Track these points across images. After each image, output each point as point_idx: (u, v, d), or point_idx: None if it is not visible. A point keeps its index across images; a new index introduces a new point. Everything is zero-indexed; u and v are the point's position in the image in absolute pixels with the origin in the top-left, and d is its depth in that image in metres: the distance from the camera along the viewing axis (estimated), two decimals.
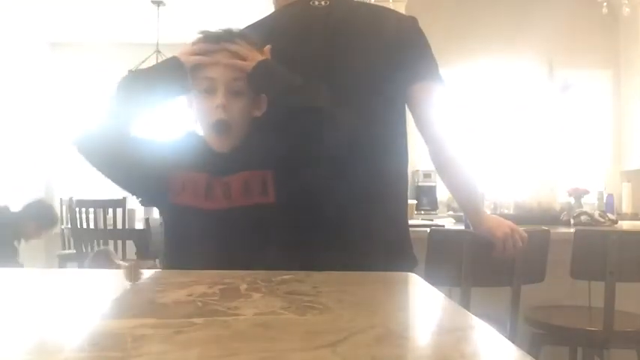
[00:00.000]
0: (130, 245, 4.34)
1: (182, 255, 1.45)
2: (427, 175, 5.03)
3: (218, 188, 1.42)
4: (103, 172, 1.44)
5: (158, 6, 5.35)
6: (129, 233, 4.30)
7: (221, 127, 1.42)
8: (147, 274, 1.12)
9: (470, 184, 1.63)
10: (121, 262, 3.34)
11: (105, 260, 3.24)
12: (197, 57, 1.48)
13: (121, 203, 4.56)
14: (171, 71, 1.49)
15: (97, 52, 6.49)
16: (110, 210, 4.41)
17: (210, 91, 1.43)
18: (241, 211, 1.41)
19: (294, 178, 1.45)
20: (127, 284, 1.04)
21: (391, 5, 4.21)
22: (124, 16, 5.81)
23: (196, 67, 1.47)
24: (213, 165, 1.44)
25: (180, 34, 6.15)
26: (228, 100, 1.41)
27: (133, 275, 1.01)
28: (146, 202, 1.57)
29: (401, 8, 4.77)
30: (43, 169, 6.54)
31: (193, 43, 1.53)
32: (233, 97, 1.42)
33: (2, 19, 5.80)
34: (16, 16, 5.89)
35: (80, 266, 3.16)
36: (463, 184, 1.63)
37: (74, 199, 4.39)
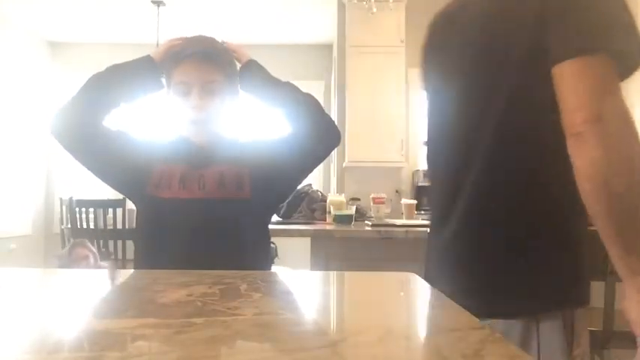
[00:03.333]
0: (130, 245, 4.34)
1: (156, 245, 1.47)
2: (427, 176, 5.03)
3: (193, 179, 1.44)
4: (75, 157, 1.49)
5: (158, 6, 5.35)
6: (129, 233, 4.30)
7: (197, 126, 1.50)
8: (124, 274, 1.12)
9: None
10: (102, 263, 3.35)
11: (81, 250, 3.24)
12: (169, 42, 1.54)
13: (121, 203, 4.55)
14: (144, 69, 1.54)
15: (97, 52, 6.49)
16: (110, 210, 4.41)
17: (185, 93, 1.49)
18: (216, 202, 1.42)
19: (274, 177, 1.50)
20: (127, 284, 1.04)
21: (391, 5, 4.22)
22: (124, 16, 5.82)
23: (172, 70, 1.51)
24: (190, 157, 1.48)
25: (180, 34, 6.18)
26: (203, 100, 1.47)
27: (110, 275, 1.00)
28: (125, 193, 1.59)
29: (401, 8, 4.76)
30: (43, 169, 6.54)
31: (170, 40, 1.58)
32: (208, 97, 1.48)
33: (2, 18, 5.79)
34: (16, 16, 5.89)
35: (60, 264, 3.13)
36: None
37: (74, 199, 4.39)
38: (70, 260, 3.17)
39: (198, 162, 1.49)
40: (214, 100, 1.51)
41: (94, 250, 3.30)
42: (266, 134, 1.66)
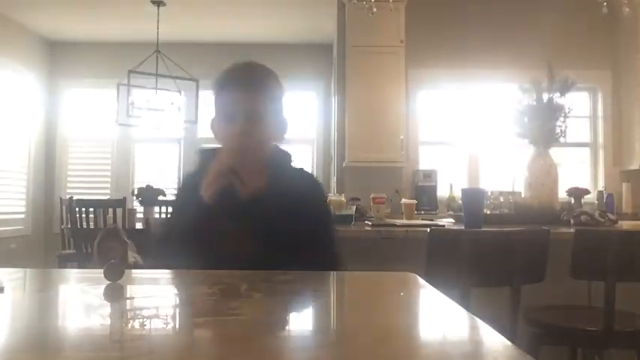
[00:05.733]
0: (130, 245, 4.33)
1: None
2: (427, 175, 5.02)
3: (222, 235, 1.39)
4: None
5: (158, 6, 5.35)
6: (129, 233, 4.29)
7: (241, 153, 1.43)
8: (128, 273, 1.12)
9: None
10: (134, 255, 3.39)
11: (115, 240, 3.30)
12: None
13: (121, 203, 4.56)
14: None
15: (97, 52, 6.49)
16: (110, 210, 4.41)
17: (230, 119, 1.45)
18: (234, 257, 1.34)
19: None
20: (126, 284, 1.04)
21: (391, 5, 4.22)
22: (124, 16, 5.81)
23: (220, 97, 1.48)
24: (226, 206, 1.41)
25: (180, 34, 6.18)
26: (248, 127, 1.43)
27: (112, 274, 1.00)
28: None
29: (401, 8, 4.76)
30: (43, 169, 6.54)
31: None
32: (252, 124, 1.44)
33: (2, 18, 5.79)
34: (16, 16, 5.89)
35: (87, 258, 3.21)
36: None
37: (74, 199, 4.39)
38: (100, 252, 3.25)
39: (239, 217, 1.41)
40: (260, 127, 1.45)
41: (124, 237, 3.36)
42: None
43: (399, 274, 1.16)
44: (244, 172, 1.41)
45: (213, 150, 1.52)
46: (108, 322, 0.79)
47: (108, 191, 6.33)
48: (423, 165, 5.24)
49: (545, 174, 3.05)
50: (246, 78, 1.47)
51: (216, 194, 1.41)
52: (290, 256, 1.35)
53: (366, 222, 2.89)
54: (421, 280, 1.08)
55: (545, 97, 3.08)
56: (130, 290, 1.03)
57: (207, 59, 6.32)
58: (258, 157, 1.47)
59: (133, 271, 1.29)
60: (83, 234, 4.23)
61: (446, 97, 5.45)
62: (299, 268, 1.23)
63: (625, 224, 2.89)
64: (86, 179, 6.49)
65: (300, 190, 1.48)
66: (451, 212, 3.72)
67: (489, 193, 3.12)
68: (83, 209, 4.33)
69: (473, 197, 2.53)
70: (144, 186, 4.74)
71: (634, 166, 4.92)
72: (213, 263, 1.27)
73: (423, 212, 4.51)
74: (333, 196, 3.05)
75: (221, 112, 1.49)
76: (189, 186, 1.53)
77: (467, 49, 5.10)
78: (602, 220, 2.68)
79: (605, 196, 4.47)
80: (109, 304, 0.93)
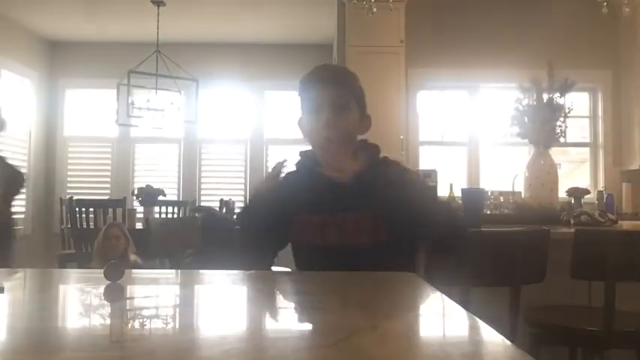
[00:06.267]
0: (130, 246, 4.33)
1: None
2: (427, 175, 5.01)
3: (332, 228, 1.48)
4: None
5: (158, 6, 5.35)
6: (129, 233, 4.30)
7: (329, 142, 1.52)
8: (128, 273, 1.12)
9: None
10: (135, 258, 3.48)
11: (117, 230, 3.46)
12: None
13: (121, 203, 4.56)
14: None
15: (97, 52, 6.49)
16: (110, 210, 4.41)
17: (316, 111, 1.54)
18: (353, 248, 1.46)
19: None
20: (126, 284, 1.04)
21: (391, 5, 4.22)
22: (124, 16, 5.81)
23: (305, 94, 1.58)
24: (330, 200, 1.50)
25: (180, 34, 6.18)
26: (333, 118, 1.52)
27: (112, 274, 1.00)
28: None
29: (401, 8, 4.76)
30: (43, 169, 6.54)
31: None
32: (337, 115, 1.52)
33: (2, 18, 5.79)
34: (16, 16, 5.89)
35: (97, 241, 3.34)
36: None
37: (74, 199, 4.39)
38: (104, 238, 3.36)
39: (338, 205, 1.50)
40: (346, 117, 1.54)
41: (127, 233, 3.49)
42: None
43: (399, 274, 1.16)
44: (335, 161, 1.51)
45: (309, 151, 1.64)
46: (108, 322, 0.79)
47: (108, 191, 6.33)
48: (423, 165, 5.24)
49: (545, 174, 3.05)
50: (328, 74, 1.60)
51: (318, 189, 1.51)
52: (412, 241, 1.48)
53: None
54: (421, 280, 1.08)
55: (545, 97, 3.08)
56: (130, 290, 1.03)
57: (207, 59, 6.33)
58: (345, 146, 1.55)
59: (133, 271, 1.29)
60: (83, 234, 4.23)
61: (446, 97, 5.45)
62: (430, 246, 1.33)
63: (625, 224, 2.89)
64: (86, 179, 6.49)
65: (394, 178, 1.54)
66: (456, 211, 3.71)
67: (489, 193, 3.12)
68: (83, 209, 4.33)
69: (473, 197, 2.53)
70: (144, 186, 4.74)
71: (634, 166, 4.92)
72: (321, 256, 1.42)
73: None
74: None
75: (306, 107, 1.59)
76: (289, 184, 1.62)
77: (467, 49, 5.10)
78: (602, 220, 2.68)
79: (605, 196, 4.46)
80: (109, 304, 0.93)
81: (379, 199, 1.45)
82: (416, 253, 1.59)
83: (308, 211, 1.51)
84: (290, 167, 1.65)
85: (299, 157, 1.67)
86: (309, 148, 1.64)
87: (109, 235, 3.43)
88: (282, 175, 1.61)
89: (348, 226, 1.48)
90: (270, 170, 1.66)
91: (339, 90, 1.55)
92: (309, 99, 1.57)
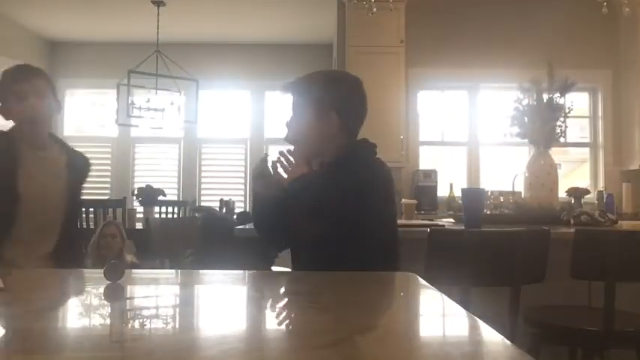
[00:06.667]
0: (130, 245, 4.33)
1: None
2: (427, 175, 5.02)
3: (291, 223, 1.63)
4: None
5: (158, 6, 5.35)
6: (129, 233, 4.29)
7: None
8: (128, 273, 1.12)
9: None
10: (132, 258, 3.50)
11: (113, 228, 3.47)
12: None
13: (121, 203, 4.55)
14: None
15: (97, 52, 6.49)
16: (110, 210, 4.41)
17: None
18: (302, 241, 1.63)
19: None
20: (126, 284, 1.04)
21: (391, 5, 4.22)
22: (124, 16, 5.81)
23: None
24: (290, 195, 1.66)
25: (180, 34, 6.17)
26: (290, 122, 1.76)
27: (112, 274, 1.00)
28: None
29: (401, 8, 4.76)
30: None
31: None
32: (291, 120, 1.75)
33: (2, 18, 5.79)
34: (16, 16, 5.89)
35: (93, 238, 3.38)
36: None
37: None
38: (100, 235, 3.38)
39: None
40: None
41: (124, 233, 3.51)
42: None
43: (399, 274, 1.16)
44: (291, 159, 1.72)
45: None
46: (108, 322, 0.79)
47: (108, 191, 6.33)
48: (423, 165, 5.24)
49: (545, 174, 3.05)
50: (287, 84, 1.80)
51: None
52: (350, 238, 1.54)
53: None
54: (421, 280, 1.08)
55: (545, 97, 3.08)
56: (130, 290, 1.03)
57: (207, 59, 6.33)
58: (304, 149, 1.73)
59: (133, 271, 1.30)
60: (83, 234, 4.23)
61: (446, 97, 5.45)
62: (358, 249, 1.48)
63: (625, 224, 2.89)
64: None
65: (359, 179, 1.64)
66: (451, 212, 3.72)
67: (489, 193, 3.12)
68: (83, 209, 4.32)
69: (473, 197, 2.53)
70: (144, 186, 4.74)
71: (634, 166, 4.92)
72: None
73: (423, 212, 4.51)
74: None
75: None
76: None
77: (467, 49, 5.10)
78: (602, 220, 2.68)
79: (605, 196, 4.46)
80: (109, 304, 0.93)
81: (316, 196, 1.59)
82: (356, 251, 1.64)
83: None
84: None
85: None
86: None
87: (105, 233, 3.42)
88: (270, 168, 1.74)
89: (297, 220, 1.60)
90: (256, 171, 1.78)
91: (293, 96, 1.77)
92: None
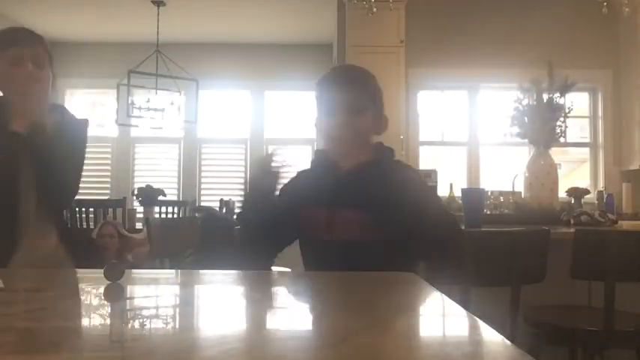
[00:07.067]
0: (128, 245, 4.33)
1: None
2: (427, 175, 5.01)
3: (334, 223, 1.50)
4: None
5: (158, 6, 5.35)
6: (127, 232, 4.30)
7: (342, 142, 1.56)
8: (128, 273, 1.12)
9: None
10: (129, 258, 3.50)
11: (111, 228, 3.47)
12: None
13: (121, 203, 4.55)
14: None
15: (97, 52, 6.49)
16: (110, 210, 4.41)
17: (331, 113, 1.57)
18: (352, 243, 1.47)
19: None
20: (126, 284, 1.04)
21: (391, 5, 4.22)
22: (124, 16, 5.81)
23: (322, 95, 1.62)
24: (333, 195, 1.51)
25: (180, 34, 6.17)
26: (347, 119, 1.54)
27: (112, 274, 1.00)
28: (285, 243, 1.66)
29: (401, 8, 4.76)
30: None
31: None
32: (351, 117, 1.55)
33: (2, 18, 5.79)
34: (16, 16, 5.89)
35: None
36: None
37: (74, 198, 4.39)
38: (98, 236, 3.38)
39: (343, 196, 1.52)
40: (360, 119, 1.56)
41: (123, 232, 3.52)
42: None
43: (399, 274, 1.16)
44: (347, 159, 1.57)
45: (324, 150, 1.67)
46: (108, 322, 0.79)
47: (108, 191, 6.33)
48: (423, 165, 5.24)
49: (545, 174, 3.05)
50: (345, 76, 1.66)
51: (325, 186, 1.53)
52: (411, 239, 1.46)
53: None
54: (421, 280, 1.08)
55: (545, 97, 3.08)
56: (130, 290, 1.03)
57: (207, 59, 6.33)
58: (357, 147, 1.58)
59: (133, 271, 1.30)
60: (84, 234, 4.23)
61: (446, 97, 5.45)
62: (424, 246, 1.43)
63: (625, 224, 2.89)
64: (86, 179, 6.45)
65: (400, 179, 1.55)
66: (451, 212, 3.72)
67: (489, 193, 3.12)
68: (83, 209, 4.33)
69: (473, 197, 2.53)
70: (144, 186, 4.74)
71: (634, 166, 4.92)
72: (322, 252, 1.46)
73: None
74: None
75: (322, 109, 1.61)
76: (300, 181, 1.64)
77: (467, 49, 5.10)
78: (602, 220, 2.68)
79: (605, 196, 4.46)
80: (109, 304, 0.93)
81: (379, 196, 1.46)
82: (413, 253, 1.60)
83: (314, 206, 1.53)
84: (304, 165, 1.70)
85: (314, 156, 1.72)
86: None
87: (102, 233, 3.42)
88: (280, 168, 1.63)
89: (347, 221, 1.49)
90: (260, 165, 1.64)
91: (354, 93, 1.58)
92: (325, 101, 1.60)
